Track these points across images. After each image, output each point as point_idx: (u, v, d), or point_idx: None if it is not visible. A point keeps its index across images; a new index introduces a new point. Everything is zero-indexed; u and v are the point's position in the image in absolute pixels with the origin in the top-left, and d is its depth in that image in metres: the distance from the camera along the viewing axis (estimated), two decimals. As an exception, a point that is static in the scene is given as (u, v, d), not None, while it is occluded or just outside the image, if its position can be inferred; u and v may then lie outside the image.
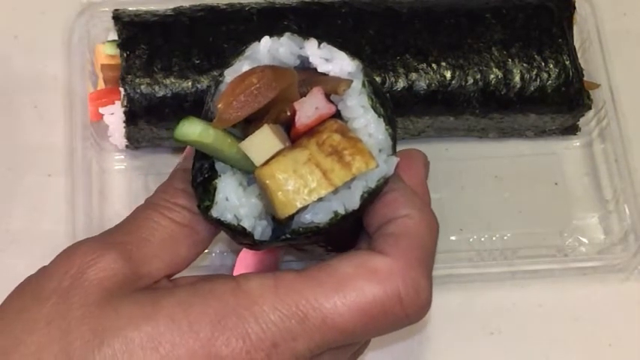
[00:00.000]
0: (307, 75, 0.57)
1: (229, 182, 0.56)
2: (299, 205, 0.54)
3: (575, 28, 0.83)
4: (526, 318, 0.80)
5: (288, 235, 0.56)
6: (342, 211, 0.55)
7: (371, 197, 0.56)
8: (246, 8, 0.79)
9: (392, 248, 0.55)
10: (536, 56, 0.79)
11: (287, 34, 0.58)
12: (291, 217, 0.55)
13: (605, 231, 0.83)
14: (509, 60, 0.79)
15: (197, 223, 0.58)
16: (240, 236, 0.57)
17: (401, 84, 0.78)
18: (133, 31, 0.77)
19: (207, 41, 0.77)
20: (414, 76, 0.78)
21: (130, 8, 0.80)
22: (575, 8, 0.83)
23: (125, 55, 0.77)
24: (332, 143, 0.54)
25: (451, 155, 0.85)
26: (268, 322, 0.52)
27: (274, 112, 0.55)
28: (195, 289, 0.54)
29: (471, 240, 0.82)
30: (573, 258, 0.81)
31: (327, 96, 0.56)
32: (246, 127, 0.56)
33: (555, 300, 0.81)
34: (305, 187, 0.54)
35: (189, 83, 0.76)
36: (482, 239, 0.82)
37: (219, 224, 0.56)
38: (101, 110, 0.79)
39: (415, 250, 0.55)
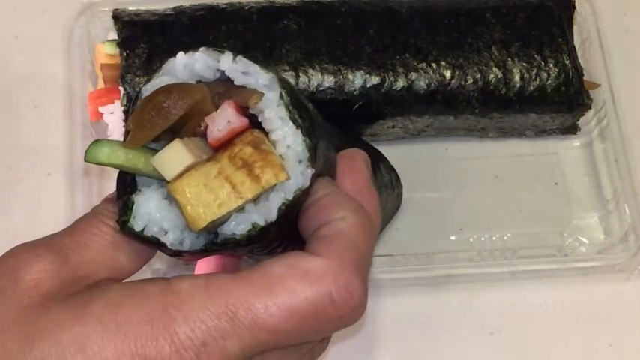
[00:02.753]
0: (226, 87, 0.57)
1: (152, 196, 0.56)
2: (209, 219, 0.54)
3: (575, 27, 0.83)
4: (526, 318, 0.80)
5: (204, 247, 0.56)
6: (261, 223, 0.55)
7: (289, 209, 0.55)
8: (246, 8, 0.79)
9: (325, 249, 0.54)
10: (535, 56, 0.79)
11: (202, 49, 0.58)
12: (216, 228, 0.56)
13: (605, 231, 0.83)
14: (509, 59, 0.79)
15: None
16: (157, 247, 0.57)
17: (400, 83, 0.78)
18: (132, 31, 0.77)
19: (207, 40, 0.77)
20: (413, 75, 0.78)
21: (130, 8, 0.80)
22: (575, 8, 0.83)
23: (125, 54, 0.77)
24: (243, 156, 0.54)
25: (451, 155, 0.85)
26: (197, 321, 0.52)
27: (190, 126, 0.55)
28: (126, 288, 0.53)
29: (470, 240, 0.82)
30: (573, 258, 0.81)
31: (245, 108, 0.56)
32: (171, 138, 0.56)
33: (555, 300, 0.81)
34: (215, 200, 0.54)
35: (189, 82, 0.76)
36: (483, 239, 0.82)
37: (135, 238, 0.56)
38: (101, 109, 0.79)
39: (349, 252, 0.54)
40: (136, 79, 0.76)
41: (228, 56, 0.57)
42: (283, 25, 0.78)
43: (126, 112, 0.76)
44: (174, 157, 0.54)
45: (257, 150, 0.54)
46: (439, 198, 0.83)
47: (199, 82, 0.58)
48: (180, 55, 0.58)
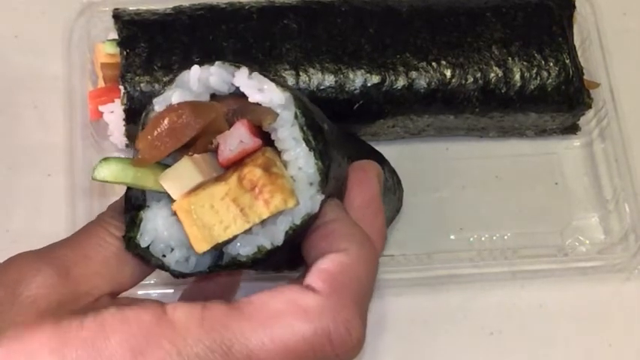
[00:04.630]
0: (240, 104, 0.56)
1: (160, 212, 0.55)
2: (213, 242, 0.53)
3: (575, 27, 0.83)
4: (526, 318, 0.80)
5: (207, 270, 0.56)
6: (267, 246, 0.54)
7: (296, 234, 0.54)
8: (246, 7, 0.79)
9: (325, 285, 0.53)
10: (536, 55, 0.80)
11: (217, 63, 0.56)
12: (221, 247, 0.55)
13: (605, 231, 0.83)
14: (510, 58, 0.79)
15: None
16: (161, 269, 0.56)
17: (401, 82, 0.78)
18: (132, 30, 0.77)
19: (207, 40, 0.77)
20: (414, 74, 0.78)
21: (130, 7, 0.80)
22: (575, 7, 0.83)
23: (125, 53, 0.77)
24: (252, 178, 0.53)
25: (451, 155, 0.85)
26: (191, 355, 0.50)
27: (201, 144, 0.54)
28: (121, 313, 0.52)
29: (471, 240, 0.82)
30: (573, 258, 0.81)
31: (259, 126, 0.55)
32: (181, 153, 0.55)
33: (555, 300, 0.81)
34: (221, 223, 0.53)
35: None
36: (483, 239, 0.82)
37: (140, 258, 0.55)
38: (101, 108, 0.79)
39: (349, 288, 0.53)
40: (136, 78, 0.76)
41: (243, 72, 0.56)
42: (283, 25, 0.78)
43: (126, 112, 0.76)
44: (183, 175, 0.53)
45: (267, 172, 0.53)
46: (439, 198, 0.83)
47: (213, 95, 0.56)
48: (195, 68, 0.56)
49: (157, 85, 0.76)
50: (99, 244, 0.56)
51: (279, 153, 0.55)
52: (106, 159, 0.54)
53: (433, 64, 0.79)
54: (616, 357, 0.80)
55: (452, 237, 0.82)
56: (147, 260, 0.56)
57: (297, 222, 0.54)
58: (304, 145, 0.54)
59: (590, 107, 0.81)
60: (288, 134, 0.55)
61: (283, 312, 0.52)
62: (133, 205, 0.56)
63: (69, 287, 0.53)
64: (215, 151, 0.54)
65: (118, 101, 0.77)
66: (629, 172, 0.81)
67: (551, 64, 0.80)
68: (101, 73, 0.79)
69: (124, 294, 0.57)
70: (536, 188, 0.84)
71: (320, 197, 0.54)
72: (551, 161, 0.85)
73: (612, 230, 0.82)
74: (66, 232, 0.75)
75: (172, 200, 0.54)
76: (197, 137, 0.54)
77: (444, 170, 0.83)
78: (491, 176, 0.84)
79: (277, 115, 0.54)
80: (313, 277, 0.54)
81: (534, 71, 0.79)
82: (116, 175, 0.53)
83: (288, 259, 0.60)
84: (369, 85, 0.78)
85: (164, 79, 0.76)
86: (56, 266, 0.54)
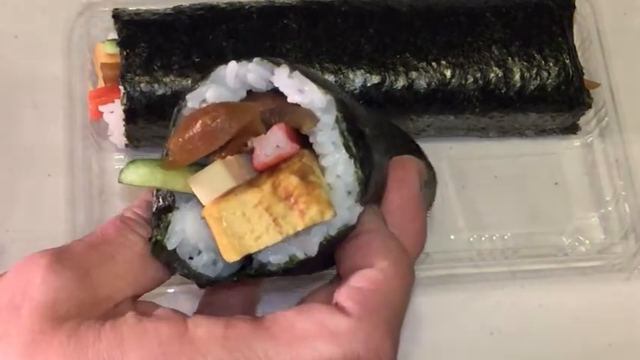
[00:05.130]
0: (279, 103, 0.53)
1: (189, 213, 0.53)
2: (244, 252, 0.51)
3: (575, 27, 0.83)
4: (526, 318, 0.80)
5: (235, 278, 0.53)
6: (300, 256, 0.52)
7: (331, 244, 0.52)
8: (246, 7, 0.79)
9: (357, 307, 0.50)
10: (536, 55, 0.80)
11: (256, 60, 0.53)
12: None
13: (605, 231, 0.83)
14: (510, 58, 0.79)
15: None
16: (186, 277, 0.54)
17: (401, 82, 0.78)
18: (132, 30, 0.77)
19: (207, 40, 0.77)
20: (414, 74, 0.78)
21: (130, 7, 0.80)
22: (575, 7, 0.83)
23: (125, 53, 0.77)
24: (288, 187, 0.50)
25: (451, 155, 0.85)
26: None
27: (235, 145, 0.52)
28: (140, 326, 0.50)
29: (470, 240, 0.82)
30: (573, 258, 0.81)
31: (296, 129, 0.52)
32: (214, 153, 0.52)
33: (555, 300, 0.81)
34: (252, 232, 0.50)
35: (189, 81, 0.76)
36: (483, 239, 0.82)
37: (165, 263, 0.53)
38: (101, 108, 0.79)
39: (382, 311, 0.51)
40: (136, 78, 0.76)
41: (284, 70, 0.53)
42: (283, 25, 0.78)
43: (126, 112, 0.76)
44: (214, 180, 0.51)
45: (304, 181, 0.50)
46: (439, 198, 0.82)
47: (250, 92, 0.54)
48: (233, 64, 0.53)
49: (156, 85, 0.76)
50: (122, 244, 0.54)
51: (317, 157, 0.52)
52: (134, 162, 0.51)
53: (433, 64, 0.79)
54: (616, 357, 0.80)
55: (452, 237, 0.82)
56: (171, 265, 0.53)
57: (333, 233, 0.51)
58: (344, 150, 0.52)
59: (590, 107, 0.81)
60: (327, 138, 0.52)
61: (311, 334, 0.49)
62: (161, 206, 0.53)
63: (89, 291, 0.51)
64: (250, 153, 0.52)
65: (117, 101, 0.77)
66: (629, 173, 0.81)
67: (551, 64, 0.80)
68: (101, 73, 0.79)
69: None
70: (536, 188, 0.84)
71: (359, 209, 0.52)
72: (551, 161, 0.85)
73: (612, 230, 0.82)
74: (66, 232, 0.76)
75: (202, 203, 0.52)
76: (231, 138, 0.51)
77: (444, 170, 0.83)
78: (491, 176, 0.84)
79: (318, 119, 0.52)
80: (344, 296, 0.51)
81: (534, 71, 0.79)
82: (144, 178, 0.51)
83: (322, 263, 0.56)
84: (369, 85, 0.78)
85: (164, 80, 0.76)
86: (75, 268, 0.52)
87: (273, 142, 0.51)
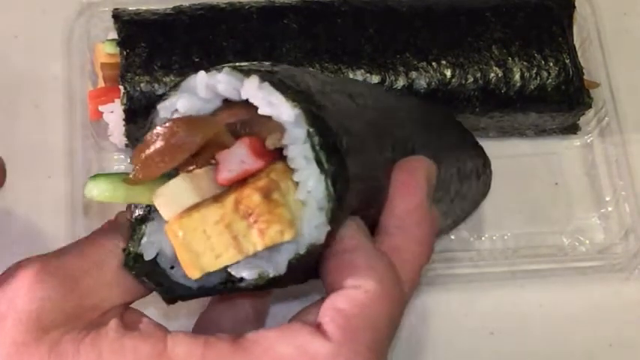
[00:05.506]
0: (252, 114, 0.50)
1: (163, 224, 0.51)
2: (205, 270, 0.49)
3: (575, 27, 0.83)
4: (526, 318, 0.80)
5: (214, 290, 0.52)
6: (269, 274, 0.50)
7: (302, 263, 0.50)
8: (246, 7, 0.79)
9: (338, 331, 0.48)
10: (536, 55, 0.79)
11: (225, 70, 0.51)
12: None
13: (605, 231, 0.83)
14: (510, 58, 0.79)
15: None
16: (159, 293, 0.53)
17: (401, 82, 0.78)
18: (132, 30, 0.77)
19: (207, 40, 0.77)
20: (414, 74, 0.78)
21: (130, 7, 0.80)
22: (575, 7, 0.83)
23: (125, 53, 0.77)
24: (249, 204, 0.48)
25: (451, 154, 0.85)
26: None
27: (204, 157, 0.50)
28: (119, 343, 0.49)
29: (471, 240, 0.82)
30: (573, 258, 0.81)
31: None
32: (182, 166, 0.50)
33: (555, 300, 0.80)
34: (212, 250, 0.48)
35: (189, 81, 0.76)
36: (482, 239, 0.82)
37: (136, 277, 0.52)
38: (101, 108, 0.79)
39: (365, 335, 0.49)
40: (136, 78, 0.76)
41: (253, 81, 0.50)
42: (283, 25, 0.78)
43: (126, 112, 0.76)
44: (177, 194, 0.49)
45: (267, 199, 0.48)
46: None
47: (225, 101, 0.52)
48: (202, 74, 0.51)
49: (156, 85, 0.76)
50: (112, 251, 0.53)
51: (291, 171, 0.50)
52: (95, 176, 0.50)
53: (433, 64, 0.79)
54: (616, 357, 0.80)
55: (452, 237, 0.81)
56: (148, 277, 0.52)
57: (302, 252, 0.49)
58: (315, 166, 0.49)
59: (590, 107, 0.81)
60: (299, 153, 0.49)
61: (290, 358, 0.48)
62: (136, 217, 0.53)
63: (76, 301, 0.51)
64: (217, 166, 0.50)
65: (117, 101, 0.77)
66: (629, 173, 0.81)
67: (551, 64, 0.80)
68: (101, 73, 0.79)
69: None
70: (536, 188, 0.84)
71: (326, 229, 0.49)
72: (551, 161, 0.85)
73: (612, 230, 0.82)
74: (66, 233, 0.76)
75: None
76: (199, 151, 0.50)
77: (444, 170, 0.83)
78: (491, 176, 0.84)
79: (281, 135, 0.49)
80: (328, 318, 0.49)
81: (534, 71, 0.79)
82: (106, 194, 0.50)
83: (300, 279, 0.55)
84: (368, 85, 0.78)
85: (164, 79, 0.76)
86: (63, 276, 0.51)
87: (237, 157, 0.49)
